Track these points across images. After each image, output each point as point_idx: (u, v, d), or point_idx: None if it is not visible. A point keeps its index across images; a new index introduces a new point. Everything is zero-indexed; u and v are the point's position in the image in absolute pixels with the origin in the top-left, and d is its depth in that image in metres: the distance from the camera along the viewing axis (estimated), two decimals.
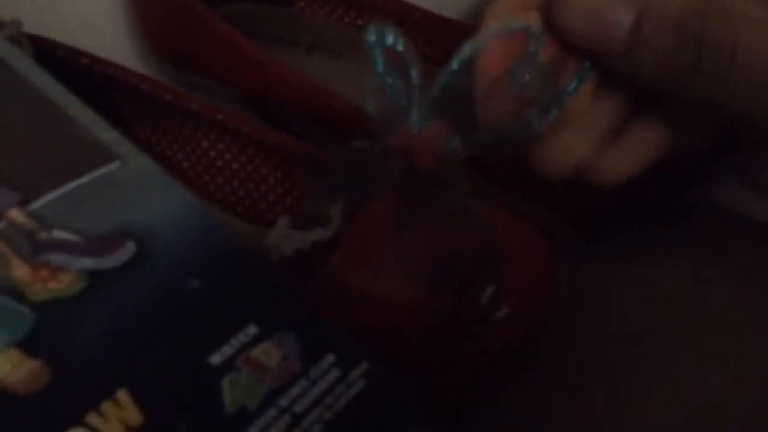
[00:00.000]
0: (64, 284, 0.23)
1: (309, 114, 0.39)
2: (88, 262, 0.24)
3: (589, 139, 0.25)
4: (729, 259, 0.32)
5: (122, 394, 0.21)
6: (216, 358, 0.23)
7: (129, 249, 0.24)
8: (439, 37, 0.43)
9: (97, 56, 0.38)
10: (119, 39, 0.44)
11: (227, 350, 0.23)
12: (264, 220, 0.37)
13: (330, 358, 0.24)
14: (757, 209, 0.33)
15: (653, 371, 0.30)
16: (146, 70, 0.42)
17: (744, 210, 0.34)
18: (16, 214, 0.24)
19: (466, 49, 0.24)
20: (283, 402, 0.22)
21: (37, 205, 0.25)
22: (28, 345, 0.22)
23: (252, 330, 0.23)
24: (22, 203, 0.25)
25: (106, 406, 0.21)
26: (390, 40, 0.24)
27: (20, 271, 0.23)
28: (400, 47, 0.24)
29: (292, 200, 0.37)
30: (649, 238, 0.33)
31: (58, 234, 0.24)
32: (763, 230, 0.33)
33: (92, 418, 0.21)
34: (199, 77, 0.42)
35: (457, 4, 0.47)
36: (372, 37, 0.24)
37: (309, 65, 0.44)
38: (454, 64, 0.24)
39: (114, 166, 0.27)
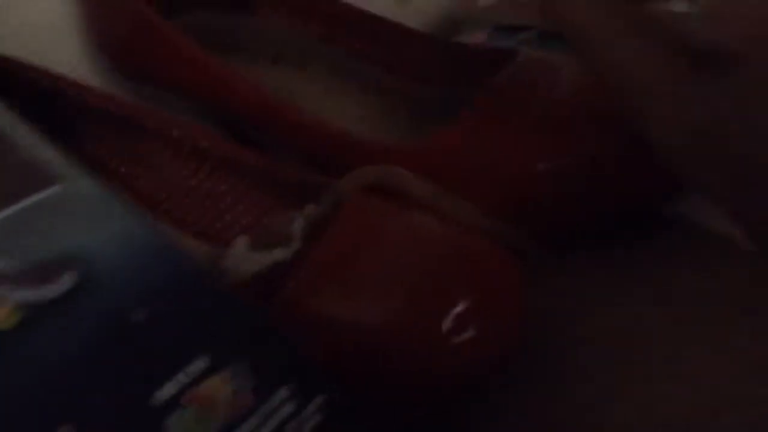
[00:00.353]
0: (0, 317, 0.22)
1: (271, 128, 0.38)
2: (26, 293, 0.22)
3: None
4: (704, 275, 0.31)
5: None
6: (161, 396, 0.21)
7: (70, 278, 0.23)
8: (404, 48, 0.42)
9: (45, 70, 0.36)
10: (70, 51, 0.42)
11: (173, 387, 0.21)
12: (222, 240, 0.36)
13: (284, 392, 0.22)
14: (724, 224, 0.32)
15: (629, 392, 0.29)
16: (100, 84, 0.40)
17: (714, 224, 0.33)
18: None
19: None
20: None
21: None
22: None
23: (201, 363, 0.22)
24: None
25: None
26: None
27: None
28: None
29: (251, 219, 0.36)
30: (621, 253, 0.33)
31: None
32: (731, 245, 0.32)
33: None
34: (158, 90, 0.40)
35: (422, 15, 0.46)
36: None
37: (273, 77, 0.43)
38: None
39: (55, 189, 0.25)
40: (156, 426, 0.21)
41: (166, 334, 0.23)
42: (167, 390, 0.21)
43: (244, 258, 0.32)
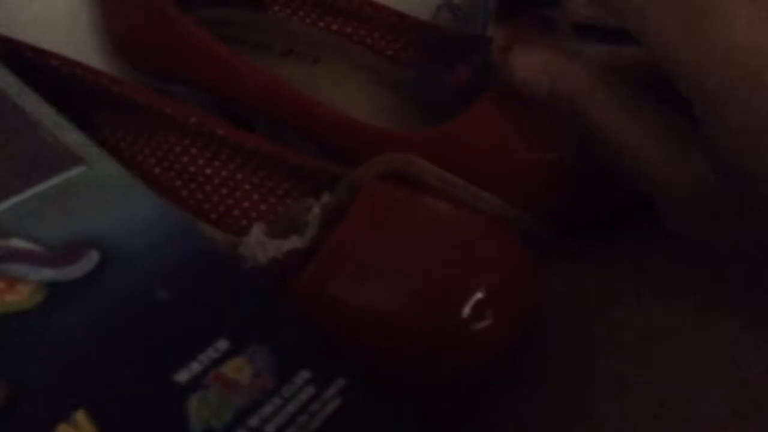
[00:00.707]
0: (22, 296, 0.22)
1: (286, 118, 0.38)
2: (48, 273, 0.22)
3: None
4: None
5: (81, 416, 0.20)
6: (183, 376, 0.21)
7: (92, 258, 0.23)
8: (417, 41, 0.42)
9: (66, 57, 0.37)
10: (88, 43, 0.42)
11: (195, 367, 0.21)
12: (238, 228, 0.36)
13: (304, 374, 0.22)
14: None
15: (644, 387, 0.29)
16: (116, 74, 0.40)
17: None
18: None
19: None
20: (254, 422, 0.21)
21: None
22: None
23: (223, 344, 0.22)
24: None
25: (64, 428, 0.20)
26: None
27: None
28: None
29: (267, 207, 0.36)
30: (642, 243, 0.33)
31: (17, 243, 0.23)
32: None
33: None
34: (170, 83, 0.40)
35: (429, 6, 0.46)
36: None
37: (283, 70, 0.43)
38: None
39: (78, 170, 0.25)
40: (179, 405, 0.21)
41: (190, 315, 0.23)
42: (190, 370, 0.21)
43: (260, 245, 0.32)
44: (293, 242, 0.32)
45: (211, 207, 0.37)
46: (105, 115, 0.38)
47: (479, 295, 0.28)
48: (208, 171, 0.37)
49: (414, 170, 0.32)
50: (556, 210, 0.33)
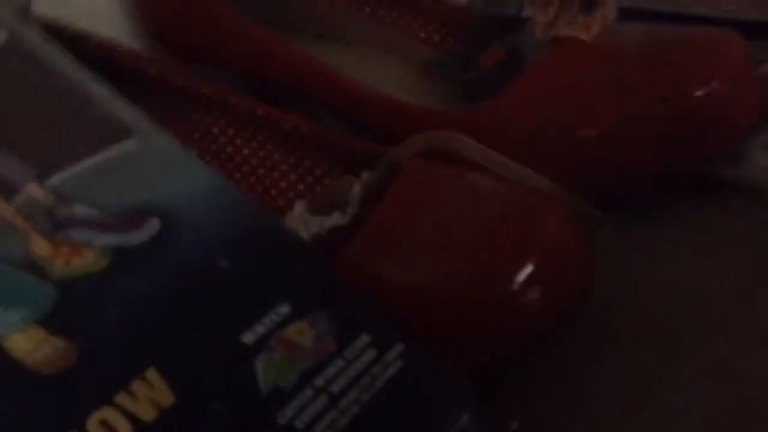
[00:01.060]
0: (87, 260, 0.22)
1: (320, 99, 0.38)
2: (112, 239, 0.23)
3: None
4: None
5: (152, 373, 0.20)
6: (248, 337, 0.22)
7: (153, 225, 0.23)
8: (449, 24, 0.42)
9: (104, 39, 0.37)
10: (123, 25, 0.43)
11: (260, 329, 0.22)
12: (275, 208, 0.36)
13: (365, 338, 0.23)
14: None
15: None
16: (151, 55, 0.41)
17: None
18: (34, 189, 0.23)
19: None
20: (319, 382, 0.21)
21: (56, 180, 0.24)
22: (51, 322, 0.21)
23: (284, 309, 0.23)
24: (40, 178, 0.24)
25: (136, 386, 0.20)
26: None
27: (40, 246, 0.22)
28: None
29: (305, 187, 0.36)
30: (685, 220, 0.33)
31: (80, 209, 0.23)
32: None
33: (121, 399, 0.20)
34: (203, 64, 0.41)
35: None
36: None
37: (318, 54, 0.43)
38: None
39: (133, 142, 0.26)
40: (246, 365, 0.21)
41: (250, 280, 0.23)
42: (255, 332, 0.22)
43: (303, 221, 0.32)
44: (336, 219, 0.32)
45: (248, 187, 0.37)
46: (142, 96, 0.38)
47: (526, 270, 0.28)
48: (245, 151, 0.37)
49: (456, 147, 0.33)
50: (597, 188, 0.33)
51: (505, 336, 0.28)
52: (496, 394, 0.28)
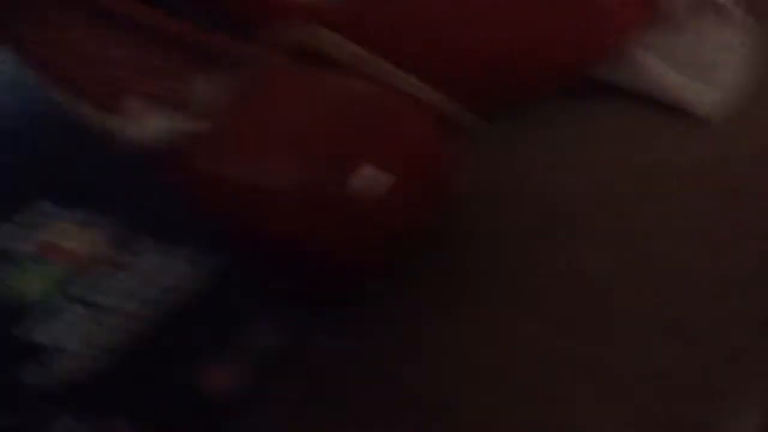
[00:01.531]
0: None
1: None
2: None
3: None
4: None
5: None
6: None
7: None
8: None
9: None
10: None
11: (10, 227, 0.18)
12: (122, 108, 0.32)
13: (182, 250, 0.19)
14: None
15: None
16: None
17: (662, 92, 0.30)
18: None
19: None
20: (77, 291, 0.17)
21: None
22: None
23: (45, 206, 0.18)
24: None
25: None
26: None
27: None
28: None
29: (154, 86, 0.32)
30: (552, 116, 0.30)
31: None
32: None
33: None
34: None
35: None
36: None
37: None
38: None
39: None
40: None
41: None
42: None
43: (146, 125, 0.28)
44: (182, 122, 0.28)
45: (93, 87, 0.32)
46: None
47: (368, 171, 0.25)
48: (99, 48, 0.33)
49: (320, 44, 0.28)
50: (475, 95, 0.29)
51: (348, 240, 0.25)
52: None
